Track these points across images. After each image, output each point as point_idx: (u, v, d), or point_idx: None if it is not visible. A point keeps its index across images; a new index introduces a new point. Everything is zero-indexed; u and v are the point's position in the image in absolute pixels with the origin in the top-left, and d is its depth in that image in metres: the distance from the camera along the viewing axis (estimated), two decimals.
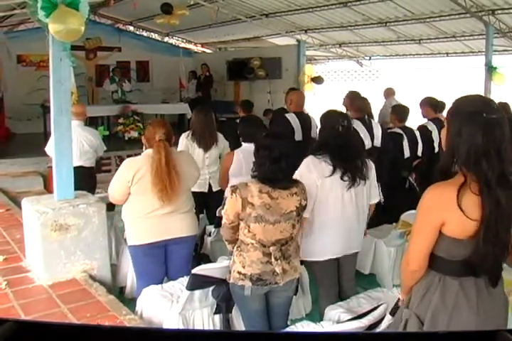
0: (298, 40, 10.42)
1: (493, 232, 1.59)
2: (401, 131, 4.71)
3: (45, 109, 7.96)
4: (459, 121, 1.64)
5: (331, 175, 2.78)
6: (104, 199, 3.52)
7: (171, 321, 2.77)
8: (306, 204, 2.57)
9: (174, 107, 10.02)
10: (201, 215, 4.23)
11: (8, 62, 9.66)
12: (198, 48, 13.98)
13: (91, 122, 7.73)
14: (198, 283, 2.72)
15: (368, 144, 4.24)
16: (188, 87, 11.12)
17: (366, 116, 4.45)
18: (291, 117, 4.69)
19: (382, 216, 4.35)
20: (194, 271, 2.72)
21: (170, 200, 2.92)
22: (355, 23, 9.44)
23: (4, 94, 9.11)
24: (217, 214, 3.71)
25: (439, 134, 3.24)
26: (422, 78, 15.95)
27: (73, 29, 3.00)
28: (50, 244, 3.24)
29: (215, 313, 2.84)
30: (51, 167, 3.63)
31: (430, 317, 1.72)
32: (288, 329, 2.56)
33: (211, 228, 3.92)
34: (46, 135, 7.17)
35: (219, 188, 4.30)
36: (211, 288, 2.78)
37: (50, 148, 4.51)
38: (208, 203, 4.35)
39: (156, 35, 13.11)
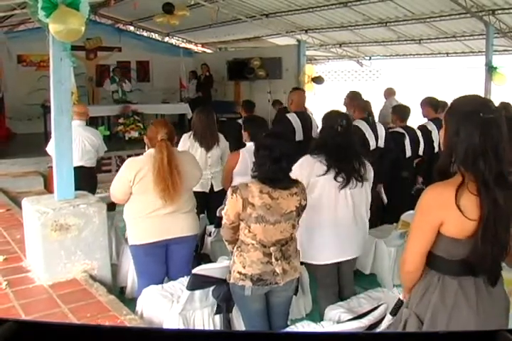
0: (298, 40, 10.43)
1: (491, 232, 1.59)
2: (403, 131, 4.72)
3: (46, 109, 7.96)
4: (456, 120, 1.64)
5: (323, 175, 2.77)
6: (104, 199, 3.52)
7: (171, 321, 2.77)
8: (305, 204, 2.57)
9: (174, 107, 10.02)
10: (202, 215, 4.24)
11: (8, 62, 9.67)
12: (199, 48, 13.98)
13: (91, 122, 7.69)
14: (198, 283, 2.72)
15: (372, 145, 4.24)
16: (188, 87, 11.13)
17: (369, 117, 4.46)
18: (292, 117, 4.70)
19: (383, 216, 4.36)
20: (194, 271, 2.72)
21: (172, 200, 2.92)
22: (356, 23, 9.45)
23: (5, 94, 9.12)
24: (217, 215, 3.72)
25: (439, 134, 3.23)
26: (422, 78, 15.96)
27: (73, 29, 3.00)
28: (50, 244, 3.24)
29: (216, 314, 2.85)
30: (51, 167, 3.64)
31: (430, 316, 1.72)
32: (288, 329, 2.56)
33: (211, 228, 3.92)
34: (46, 135, 7.18)
35: (220, 188, 4.31)
36: (211, 288, 2.78)
37: (51, 147, 4.52)
38: (208, 203, 4.35)
39: (157, 35, 13.11)
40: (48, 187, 6.19)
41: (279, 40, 11.45)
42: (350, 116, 3.47)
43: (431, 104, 5.12)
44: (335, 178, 2.78)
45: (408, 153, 4.72)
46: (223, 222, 2.58)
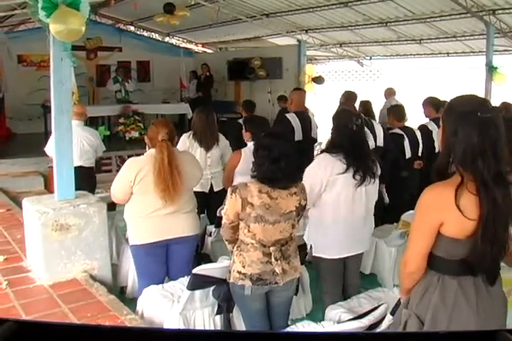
0: (298, 40, 10.42)
1: (491, 231, 1.59)
2: (401, 132, 4.72)
3: (46, 109, 7.96)
4: (454, 120, 1.64)
5: (343, 173, 2.81)
6: (104, 199, 3.52)
7: (171, 321, 2.77)
8: (305, 204, 2.57)
9: (175, 107, 10.02)
10: (202, 215, 4.23)
11: (8, 62, 9.68)
12: (199, 48, 13.98)
13: (91, 122, 7.73)
14: (198, 283, 2.73)
15: (371, 144, 4.25)
16: (188, 87, 11.13)
17: (366, 117, 4.46)
18: (292, 117, 4.70)
19: (384, 216, 4.35)
20: (195, 270, 2.72)
21: (172, 200, 2.92)
22: (356, 23, 9.45)
23: (5, 94, 9.13)
24: (217, 214, 3.71)
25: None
26: (422, 78, 15.96)
27: (74, 29, 3.00)
28: (50, 244, 3.24)
29: (217, 314, 2.85)
30: (52, 167, 3.63)
31: (430, 317, 1.72)
32: (288, 329, 2.57)
33: (212, 228, 3.92)
34: (47, 135, 7.17)
35: (220, 188, 4.30)
36: (212, 288, 2.78)
37: (49, 148, 4.52)
38: (209, 203, 4.35)
39: (157, 35, 13.11)
40: (48, 187, 6.19)
41: (280, 40, 11.45)
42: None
43: (432, 104, 5.13)
44: (353, 176, 2.83)
45: (408, 154, 4.73)
46: (223, 222, 2.58)
